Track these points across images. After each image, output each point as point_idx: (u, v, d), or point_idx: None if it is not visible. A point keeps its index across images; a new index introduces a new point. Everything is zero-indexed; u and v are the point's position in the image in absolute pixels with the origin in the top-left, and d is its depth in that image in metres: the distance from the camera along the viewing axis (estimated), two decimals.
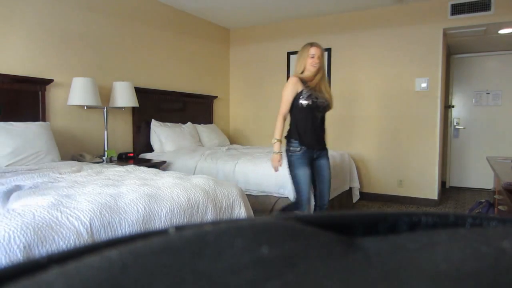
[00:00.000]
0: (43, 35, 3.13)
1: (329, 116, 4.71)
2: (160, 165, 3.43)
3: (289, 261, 0.19)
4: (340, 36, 4.64)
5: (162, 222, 1.70)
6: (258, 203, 3.11)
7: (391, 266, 0.19)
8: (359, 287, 0.17)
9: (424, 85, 4.15)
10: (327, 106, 2.58)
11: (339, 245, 0.22)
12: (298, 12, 4.61)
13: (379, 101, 4.42)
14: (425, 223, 0.24)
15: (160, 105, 4.25)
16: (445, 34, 4.15)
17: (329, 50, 4.71)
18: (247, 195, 2.47)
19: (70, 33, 3.33)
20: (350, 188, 4.10)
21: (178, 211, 1.78)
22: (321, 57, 2.54)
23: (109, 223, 1.51)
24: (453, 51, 5.32)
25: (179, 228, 0.22)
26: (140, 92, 3.84)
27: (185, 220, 1.81)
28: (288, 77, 5.05)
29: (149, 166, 3.12)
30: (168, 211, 1.74)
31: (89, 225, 1.44)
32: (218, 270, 0.18)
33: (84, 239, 1.39)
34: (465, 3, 3.87)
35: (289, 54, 5.01)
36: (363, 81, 4.52)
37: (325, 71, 2.62)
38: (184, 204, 1.83)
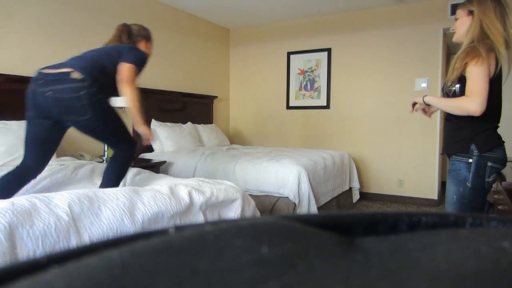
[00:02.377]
0: (42, 35, 3.13)
1: (328, 116, 4.74)
2: (160, 165, 3.43)
3: (289, 261, 0.19)
4: (340, 36, 4.64)
5: (146, 207, 1.65)
6: (258, 203, 3.11)
7: (391, 266, 0.19)
8: (359, 287, 0.17)
9: (424, 85, 4.15)
10: (449, 91, 1.68)
11: (339, 245, 0.22)
12: (298, 12, 4.61)
13: (379, 101, 4.42)
14: (425, 223, 0.24)
15: (160, 105, 4.25)
16: (445, 34, 4.15)
17: (329, 50, 4.71)
18: None
19: (70, 33, 3.33)
20: (350, 188, 4.10)
21: (161, 197, 1.75)
22: (461, 19, 1.68)
23: (88, 209, 1.48)
24: (453, 51, 5.32)
25: (179, 228, 0.23)
26: (140, 92, 3.83)
27: (182, 220, 1.80)
28: (288, 77, 5.05)
29: (149, 166, 3.13)
30: (150, 197, 1.70)
31: (68, 210, 1.42)
32: (218, 270, 0.18)
33: (65, 221, 1.37)
34: None
35: (289, 54, 5.01)
36: (363, 81, 4.52)
37: (468, 39, 1.62)
38: (183, 203, 1.82)
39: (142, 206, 1.63)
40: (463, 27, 1.66)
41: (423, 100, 1.72)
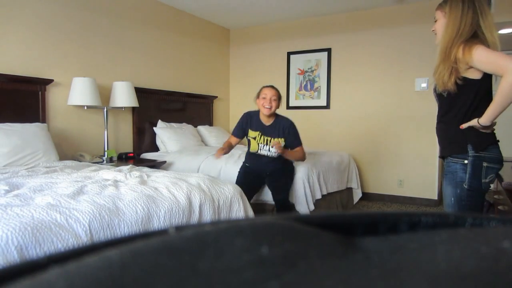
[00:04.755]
0: (43, 35, 3.13)
1: (328, 116, 4.74)
2: (160, 165, 3.43)
3: (289, 261, 0.19)
4: (340, 36, 4.63)
5: (161, 222, 1.70)
6: (259, 203, 3.11)
7: (391, 266, 0.19)
8: (359, 287, 0.17)
9: (424, 85, 4.15)
10: (444, 91, 1.64)
11: (339, 245, 0.22)
12: (298, 12, 4.61)
13: (379, 101, 4.42)
14: (425, 223, 0.24)
15: (160, 105, 4.25)
16: None
17: (329, 50, 4.71)
18: None
19: (70, 33, 3.33)
20: (351, 188, 4.10)
21: (177, 210, 1.78)
22: (440, 21, 1.68)
23: (108, 225, 1.51)
24: None
25: (179, 228, 0.23)
26: (140, 92, 3.84)
27: (184, 219, 1.81)
28: (288, 77, 5.05)
29: (149, 167, 3.13)
30: (167, 211, 1.74)
31: (88, 228, 1.44)
32: (218, 270, 0.18)
33: (83, 241, 1.39)
34: None
35: (289, 54, 5.00)
36: (363, 81, 4.52)
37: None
38: (182, 203, 1.83)
39: (157, 222, 1.67)
40: (442, 29, 1.65)
41: (481, 124, 1.56)
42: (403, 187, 4.35)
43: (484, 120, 1.55)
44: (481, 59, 1.49)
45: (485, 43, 1.55)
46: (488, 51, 1.49)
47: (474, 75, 1.57)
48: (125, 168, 2.51)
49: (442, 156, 1.73)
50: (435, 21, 1.70)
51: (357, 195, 4.17)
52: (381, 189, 4.48)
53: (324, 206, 3.41)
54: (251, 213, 2.28)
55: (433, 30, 1.73)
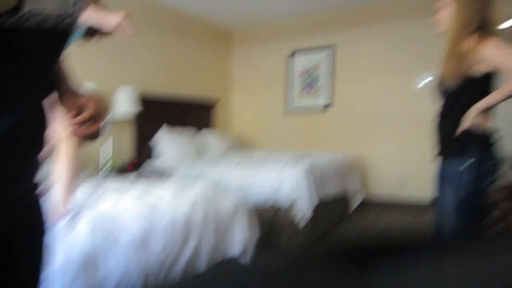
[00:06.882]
0: None
1: (331, 116, 4.70)
2: (161, 174, 3.41)
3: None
4: (344, 32, 4.62)
5: (159, 242, 1.68)
6: (258, 215, 3.07)
7: None
8: None
9: (428, 83, 4.12)
10: (449, 88, 1.56)
11: (349, 274, 0.23)
12: (300, 8, 4.58)
13: (380, 100, 4.41)
14: (435, 251, 0.25)
15: (162, 110, 4.21)
16: None
17: (334, 46, 4.70)
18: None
19: None
20: (351, 189, 4.09)
21: (178, 224, 1.76)
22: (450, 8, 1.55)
23: (109, 231, 1.50)
24: None
25: None
26: (141, 98, 3.82)
27: (184, 232, 1.78)
28: (290, 77, 5.04)
29: (152, 172, 3.12)
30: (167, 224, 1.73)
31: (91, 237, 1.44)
32: None
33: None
34: None
35: (293, 53, 5.03)
36: (364, 81, 4.51)
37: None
38: (180, 222, 1.79)
39: (155, 241, 1.64)
40: (450, 16, 1.54)
41: (478, 110, 1.49)
42: (403, 187, 4.35)
43: (482, 104, 1.48)
44: (497, 53, 1.41)
45: (498, 36, 1.46)
46: (504, 45, 1.40)
47: (482, 71, 1.49)
48: (126, 181, 2.48)
49: (442, 155, 1.65)
50: (441, 9, 1.57)
51: (358, 195, 4.15)
52: (381, 189, 4.47)
53: (325, 206, 3.39)
54: (256, 231, 2.23)
55: (437, 20, 1.61)
